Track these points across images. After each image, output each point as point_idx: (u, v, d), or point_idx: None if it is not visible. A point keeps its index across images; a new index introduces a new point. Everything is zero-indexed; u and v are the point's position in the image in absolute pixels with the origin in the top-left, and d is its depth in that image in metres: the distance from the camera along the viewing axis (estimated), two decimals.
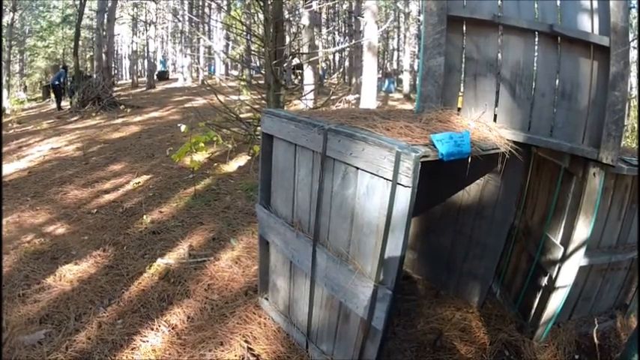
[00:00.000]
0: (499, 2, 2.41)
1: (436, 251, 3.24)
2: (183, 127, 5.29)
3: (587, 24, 2.19)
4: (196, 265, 3.37)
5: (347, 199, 1.92)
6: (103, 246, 3.66)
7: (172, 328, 2.64)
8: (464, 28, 2.42)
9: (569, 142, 2.27)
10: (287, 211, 2.38)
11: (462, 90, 2.52)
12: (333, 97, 7.91)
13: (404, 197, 1.64)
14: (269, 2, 5.68)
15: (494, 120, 2.43)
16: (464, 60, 2.47)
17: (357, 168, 1.83)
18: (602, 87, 2.17)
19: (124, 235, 3.90)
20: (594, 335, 2.66)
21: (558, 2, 2.30)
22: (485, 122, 2.33)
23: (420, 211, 3.27)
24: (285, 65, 7.15)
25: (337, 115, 2.22)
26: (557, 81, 2.32)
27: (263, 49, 5.99)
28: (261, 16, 6.00)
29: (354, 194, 1.88)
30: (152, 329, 2.61)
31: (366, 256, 1.87)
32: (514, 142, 2.26)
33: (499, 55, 2.42)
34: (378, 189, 1.75)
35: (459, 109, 2.50)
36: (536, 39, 2.33)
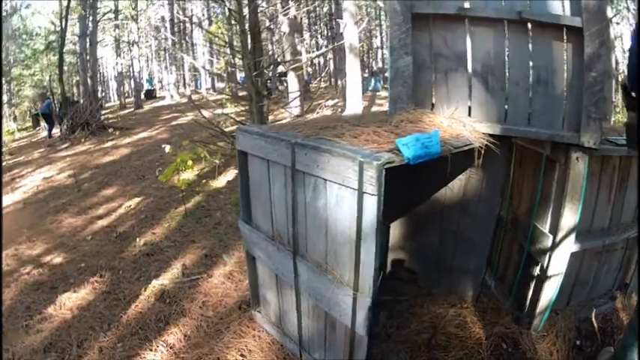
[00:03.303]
0: None
1: (425, 250, 3.24)
2: (167, 148, 5.31)
3: (558, 7, 2.13)
4: (190, 284, 3.39)
5: (319, 211, 1.94)
6: (100, 272, 3.68)
7: (170, 348, 2.66)
8: (430, 24, 2.39)
9: (548, 129, 2.23)
10: (267, 225, 2.41)
11: None
12: (316, 103, 7.94)
13: (371, 206, 1.65)
14: (244, 15, 5.71)
15: (469, 114, 2.40)
16: (433, 57, 2.43)
17: (325, 179, 1.84)
18: (577, 70, 2.12)
19: (119, 260, 3.92)
20: (593, 319, 2.62)
21: None
22: (458, 118, 2.30)
23: (405, 212, 3.29)
24: (270, 74, 7.19)
25: (307, 127, 2.23)
26: (530, 68, 2.28)
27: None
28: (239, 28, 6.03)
29: (326, 205, 1.89)
30: (151, 350, 2.64)
31: (343, 265, 1.89)
32: (491, 135, 2.23)
33: (468, 48, 2.37)
34: (347, 199, 1.77)
35: (432, 106, 2.47)
36: (506, 28, 2.27)
